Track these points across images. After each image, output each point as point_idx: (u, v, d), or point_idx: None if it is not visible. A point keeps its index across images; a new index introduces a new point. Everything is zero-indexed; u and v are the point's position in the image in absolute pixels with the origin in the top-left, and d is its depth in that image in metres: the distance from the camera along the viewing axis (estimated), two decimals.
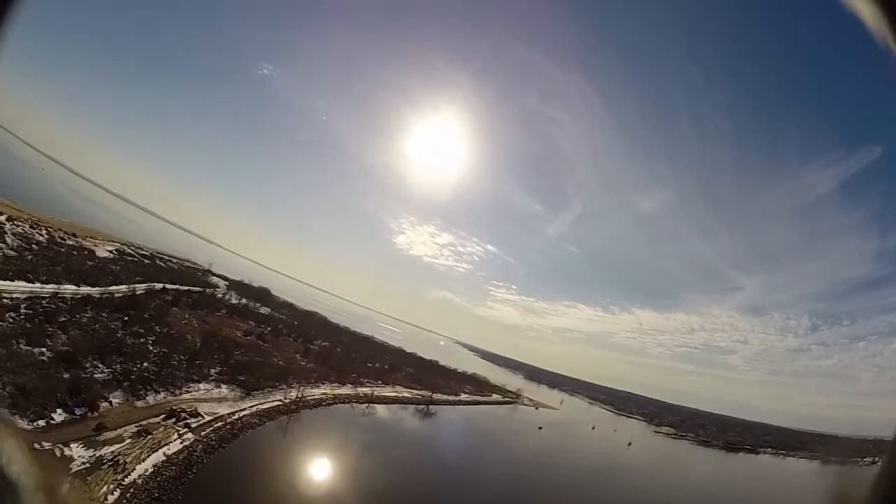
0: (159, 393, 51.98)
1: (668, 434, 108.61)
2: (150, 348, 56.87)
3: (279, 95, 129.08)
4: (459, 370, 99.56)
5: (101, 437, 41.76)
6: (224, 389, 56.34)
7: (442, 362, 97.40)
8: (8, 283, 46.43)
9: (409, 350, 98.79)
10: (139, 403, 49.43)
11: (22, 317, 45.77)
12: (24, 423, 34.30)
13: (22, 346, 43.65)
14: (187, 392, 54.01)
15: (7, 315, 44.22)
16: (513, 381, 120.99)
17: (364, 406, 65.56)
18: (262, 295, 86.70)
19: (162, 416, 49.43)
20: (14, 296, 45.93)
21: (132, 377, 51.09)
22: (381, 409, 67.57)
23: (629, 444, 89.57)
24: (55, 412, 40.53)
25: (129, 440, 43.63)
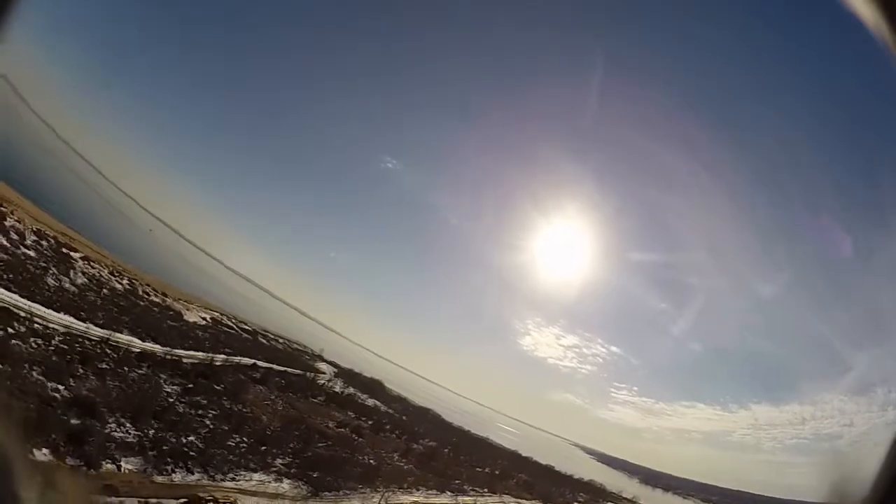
0: (193, 473, 46.41)
1: None
2: (206, 422, 53.18)
3: (401, 190, 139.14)
4: (575, 476, 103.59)
5: None
6: (285, 484, 49.07)
7: (558, 467, 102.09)
8: (50, 311, 46.44)
9: (524, 454, 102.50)
10: (159, 478, 43.81)
11: (51, 347, 44.53)
12: None
13: (34, 374, 41.52)
14: (232, 479, 47.44)
15: (32, 339, 43.12)
16: (629, 486, 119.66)
17: None
18: (373, 386, 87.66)
19: (181, 501, 42.63)
20: (50, 325, 45.41)
21: (164, 447, 46.36)
22: None
23: None
24: (39, 449, 36.83)
25: None
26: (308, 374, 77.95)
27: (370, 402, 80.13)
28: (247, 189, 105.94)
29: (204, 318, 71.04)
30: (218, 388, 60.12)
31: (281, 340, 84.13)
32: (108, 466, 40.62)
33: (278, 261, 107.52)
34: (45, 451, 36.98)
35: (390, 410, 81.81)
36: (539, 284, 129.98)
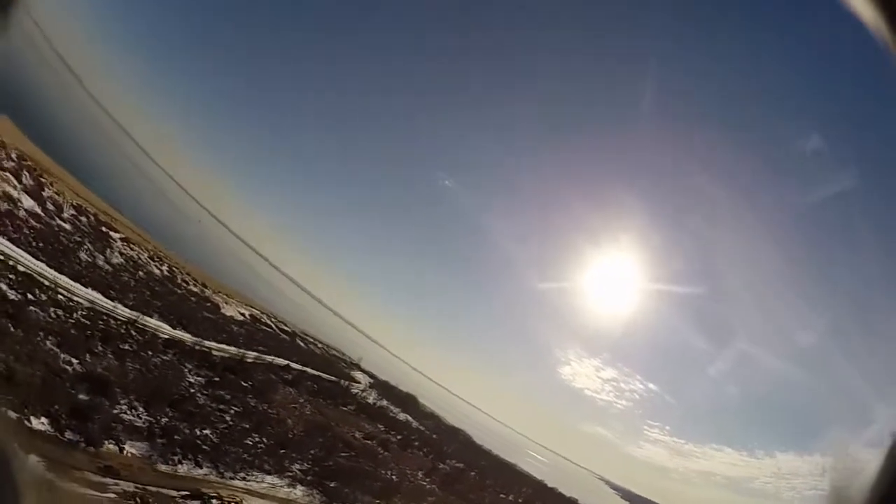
0: (201, 467, 44.48)
1: None
2: (225, 417, 51.44)
3: (456, 209, 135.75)
4: None
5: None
6: (298, 491, 46.72)
7: (581, 501, 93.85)
8: (77, 285, 45.86)
9: (550, 484, 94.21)
10: (163, 467, 41.98)
11: (70, 320, 43.69)
12: None
13: (48, 343, 40.63)
14: (243, 479, 45.30)
15: (52, 309, 42.40)
16: None
17: None
18: (407, 401, 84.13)
19: (182, 494, 41.01)
20: (74, 298, 44.73)
21: (175, 436, 44.67)
22: None
23: None
24: (37, 418, 35.93)
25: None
26: (342, 381, 76.35)
27: (402, 416, 78.57)
28: (302, 193, 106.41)
29: (242, 314, 69.97)
30: (245, 384, 58.45)
31: (320, 345, 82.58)
32: (110, 447, 39.27)
33: (326, 266, 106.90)
34: (43, 420, 35.96)
35: (421, 427, 79.71)
36: (585, 315, 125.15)
